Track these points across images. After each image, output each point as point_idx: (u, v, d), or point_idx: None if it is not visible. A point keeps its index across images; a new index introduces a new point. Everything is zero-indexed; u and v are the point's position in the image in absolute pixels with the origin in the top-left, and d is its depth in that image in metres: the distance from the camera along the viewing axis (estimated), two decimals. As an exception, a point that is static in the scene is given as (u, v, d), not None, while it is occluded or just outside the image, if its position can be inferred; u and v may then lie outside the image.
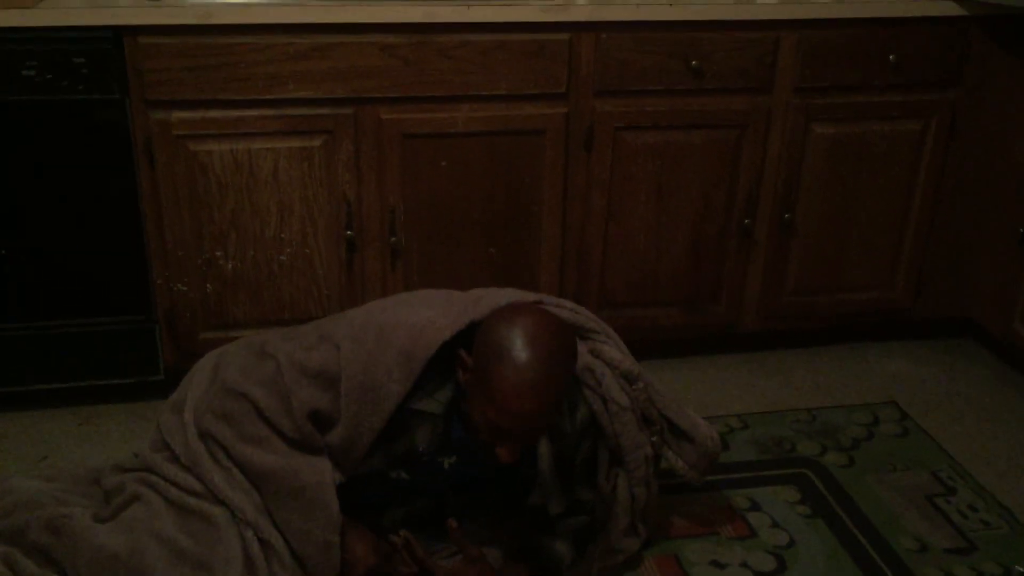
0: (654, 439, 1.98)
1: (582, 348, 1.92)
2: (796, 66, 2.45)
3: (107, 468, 1.98)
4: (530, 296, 1.94)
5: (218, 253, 2.35)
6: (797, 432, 2.47)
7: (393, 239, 2.40)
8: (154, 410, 2.41)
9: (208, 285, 2.38)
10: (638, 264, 2.58)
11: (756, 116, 2.48)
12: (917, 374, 2.77)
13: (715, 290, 2.67)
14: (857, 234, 2.68)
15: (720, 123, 2.48)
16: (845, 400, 2.63)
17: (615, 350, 1.97)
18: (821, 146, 2.55)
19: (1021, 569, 2.00)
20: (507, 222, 2.46)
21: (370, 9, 2.21)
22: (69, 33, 2.11)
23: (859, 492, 2.24)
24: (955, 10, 2.45)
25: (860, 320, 2.83)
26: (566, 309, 1.98)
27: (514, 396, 1.53)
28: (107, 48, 2.13)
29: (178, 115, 2.21)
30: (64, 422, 2.43)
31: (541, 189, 2.45)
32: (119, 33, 2.13)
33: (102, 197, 2.26)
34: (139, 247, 2.32)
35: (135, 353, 2.41)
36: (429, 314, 1.77)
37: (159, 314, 2.39)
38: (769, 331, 2.79)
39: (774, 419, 2.53)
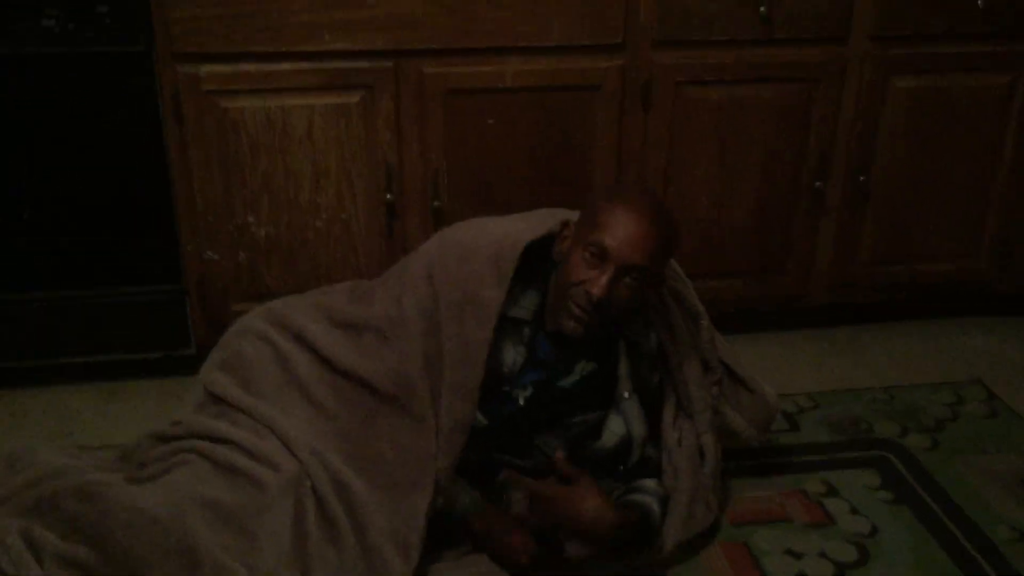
0: (715, 387, 1.88)
1: None
2: (874, 11, 2.24)
3: (142, 439, 1.84)
4: None
5: (250, 219, 2.21)
6: (874, 412, 2.27)
7: (436, 203, 2.24)
8: (185, 386, 2.27)
9: (240, 253, 2.23)
10: (698, 231, 2.39)
11: (830, 68, 2.28)
12: (1003, 352, 2.55)
13: (782, 259, 2.47)
14: (938, 199, 2.47)
15: (790, 76, 2.28)
16: (925, 378, 2.42)
17: (682, 284, 1.90)
18: (900, 101, 2.34)
19: None
20: (558, 185, 2.28)
21: (411, -48, 2.05)
22: (91, -20, 1.97)
23: (946, 477, 2.04)
24: (1052, -51, 2.23)
25: (939, 293, 2.61)
26: None
27: (629, 218, 1.61)
28: (132, -5, 1.99)
29: (208, 68, 2.07)
30: (90, 398, 2.31)
31: (594, 149, 2.27)
32: (145, -20, 1.99)
33: (128, 158, 2.13)
34: (168, 212, 2.19)
35: (164, 325, 2.28)
36: (507, 227, 1.79)
37: (189, 283, 2.25)
38: (840, 304, 2.58)
39: (848, 398, 2.33)
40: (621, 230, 1.61)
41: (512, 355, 1.74)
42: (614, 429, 1.81)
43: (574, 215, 1.78)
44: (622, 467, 1.83)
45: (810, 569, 1.78)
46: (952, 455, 2.11)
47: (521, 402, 1.75)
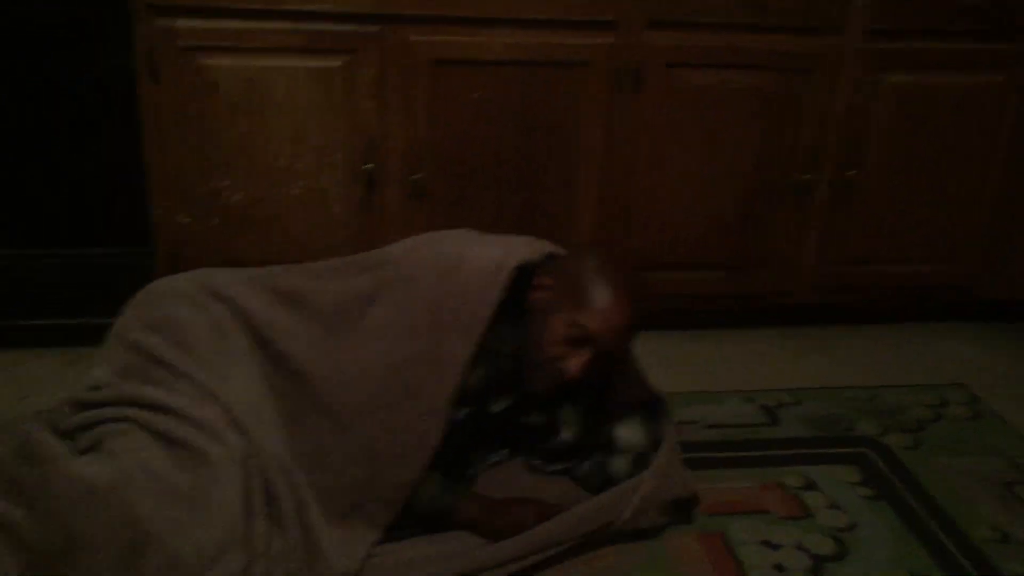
0: None
1: None
2: (869, 4, 2.21)
3: (58, 405, 1.69)
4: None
5: (225, 183, 2.14)
6: (855, 410, 2.22)
7: (416, 176, 2.18)
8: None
9: (213, 217, 2.16)
10: (683, 220, 2.34)
11: (822, 60, 2.25)
12: (987, 357, 2.51)
13: (766, 254, 2.42)
14: (926, 199, 2.43)
15: (782, 65, 2.24)
16: (907, 381, 2.38)
17: None
18: (892, 97, 2.31)
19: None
20: (542, 165, 2.23)
21: (402, -85, 2.00)
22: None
23: (928, 476, 1.99)
24: (1050, -51, 2.21)
25: (924, 296, 2.57)
26: None
27: (615, 303, 1.58)
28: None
29: (185, 23, 2.00)
30: (49, 363, 2.22)
31: (581, 129, 2.22)
32: (124, -73, 1.93)
33: (100, 114, 2.06)
34: (139, 172, 2.11)
35: (131, 289, 2.17)
36: (490, 251, 1.68)
37: (159, 247, 2.18)
38: (823, 304, 2.54)
39: (828, 396, 2.28)
40: (606, 318, 1.58)
41: (485, 379, 1.67)
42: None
43: (554, 248, 1.73)
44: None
45: (787, 560, 1.72)
46: (934, 455, 2.06)
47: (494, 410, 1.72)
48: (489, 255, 1.64)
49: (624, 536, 1.72)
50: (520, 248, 1.68)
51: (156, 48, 2.01)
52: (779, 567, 1.70)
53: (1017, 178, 2.43)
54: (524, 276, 1.66)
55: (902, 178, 2.39)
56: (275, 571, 1.47)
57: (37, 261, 2.15)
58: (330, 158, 2.15)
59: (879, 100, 2.31)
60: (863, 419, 2.19)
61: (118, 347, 1.70)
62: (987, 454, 2.08)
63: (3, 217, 2.10)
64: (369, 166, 2.15)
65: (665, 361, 2.33)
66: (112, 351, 1.70)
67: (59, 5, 1.96)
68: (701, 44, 2.19)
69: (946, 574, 1.70)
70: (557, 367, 1.60)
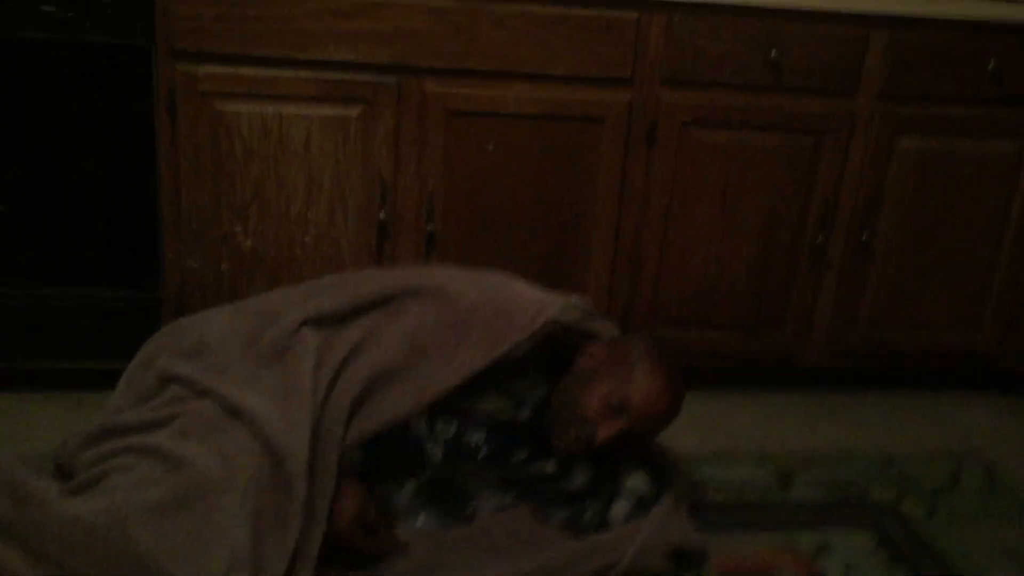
0: None
1: None
2: (884, 68, 2.22)
3: (69, 445, 1.67)
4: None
5: (237, 229, 2.13)
6: (870, 477, 2.17)
7: (430, 227, 2.18)
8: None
9: (223, 263, 2.15)
10: (696, 278, 2.33)
11: (837, 121, 2.25)
12: (1002, 427, 2.46)
13: (779, 315, 2.40)
14: (942, 265, 2.41)
15: (797, 126, 2.24)
16: (922, 448, 2.33)
17: None
18: (906, 161, 2.31)
19: None
20: (556, 218, 2.23)
21: (423, -32, 2.03)
22: (96, -31, 1.94)
23: (945, 543, 1.93)
24: (1064, 18, 2.23)
25: (938, 364, 2.54)
26: None
27: (662, 389, 1.64)
28: (136, -12, 1.96)
29: (206, 69, 2.02)
30: (52, 407, 2.19)
31: (596, 184, 2.21)
32: (150, -28, 1.96)
33: (116, 154, 2.07)
34: (152, 214, 2.11)
35: (138, 334, 2.15)
36: (536, 293, 1.77)
37: (168, 291, 2.16)
38: (836, 368, 2.50)
39: (843, 462, 2.23)
40: (651, 401, 1.64)
41: (486, 402, 1.68)
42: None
43: (586, 305, 1.79)
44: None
45: (801, 624, 1.66)
46: (950, 523, 2.01)
47: (479, 456, 1.70)
48: (532, 294, 1.74)
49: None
50: (558, 300, 1.74)
51: (175, 92, 2.03)
52: (793, 631, 1.64)
53: (1032, 246, 2.42)
54: (558, 337, 1.72)
55: (916, 242, 2.38)
56: None
57: (44, 301, 2.14)
58: (343, 206, 2.15)
59: (892, 163, 2.31)
60: (878, 486, 2.13)
61: (140, 371, 1.71)
62: (1003, 524, 2.02)
63: (13, 255, 2.09)
64: (383, 215, 2.15)
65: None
66: (125, 387, 1.71)
67: (80, 45, 1.97)
68: (716, 103, 2.20)
69: (966, 644, 1.64)
70: (588, 430, 1.63)
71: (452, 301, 1.69)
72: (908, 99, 2.26)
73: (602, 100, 2.16)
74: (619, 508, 1.73)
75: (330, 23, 2.02)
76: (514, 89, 2.12)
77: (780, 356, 2.45)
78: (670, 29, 2.13)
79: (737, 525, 1.94)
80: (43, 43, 1.96)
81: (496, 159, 2.16)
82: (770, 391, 2.52)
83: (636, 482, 1.76)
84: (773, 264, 2.34)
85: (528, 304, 1.70)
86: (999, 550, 1.92)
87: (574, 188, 2.21)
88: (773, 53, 2.16)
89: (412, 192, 2.16)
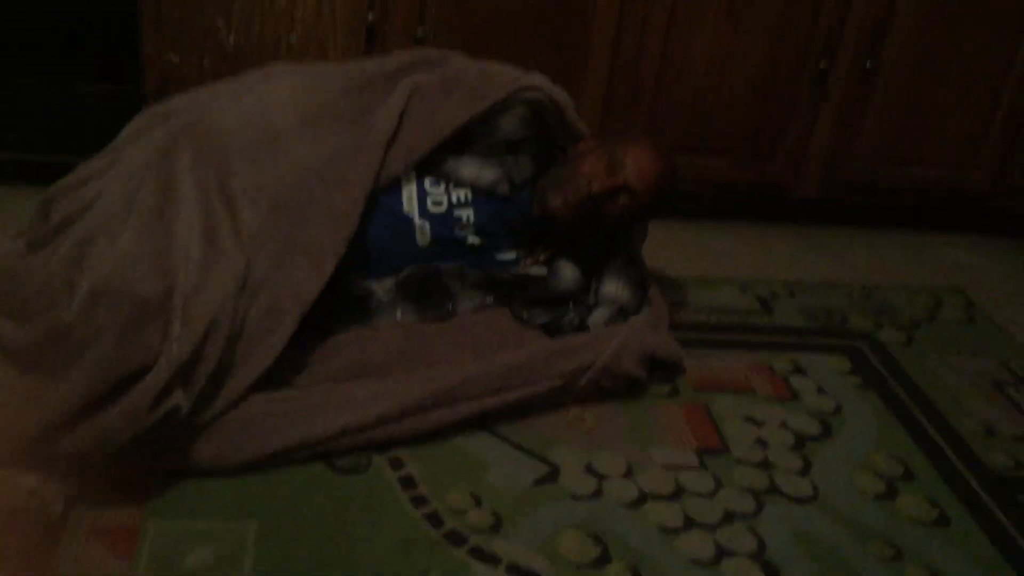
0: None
1: None
2: None
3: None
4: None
5: (219, 22, 2.05)
6: (850, 306, 2.18)
7: (420, 31, 2.09)
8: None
9: (204, 59, 2.08)
10: (694, 96, 2.26)
11: (851, -62, 2.15)
12: (989, 267, 2.47)
13: (775, 143, 2.35)
14: (942, 100, 2.35)
15: (809, -60, 2.14)
16: (906, 283, 2.34)
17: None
18: (917, -14, 2.22)
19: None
20: (552, 27, 2.14)
21: None
22: None
23: (918, 371, 1.96)
24: None
25: (931, 202, 2.52)
26: None
27: (652, 155, 1.73)
28: None
29: None
30: (25, 201, 2.15)
31: (595, -5, 2.13)
32: None
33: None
34: (131, 5, 2.02)
35: (115, 128, 2.11)
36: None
37: (148, 86, 2.09)
38: (826, 202, 2.48)
39: (824, 290, 2.24)
40: (640, 157, 1.71)
41: (474, 168, 1.71)
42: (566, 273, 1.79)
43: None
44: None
45: (770, 437, 1.69)
46: (926, 352, 2.03)
47: (467, 244, 1.73)
48: (512, 70, 1.80)
49: (604, 398, 1.69)
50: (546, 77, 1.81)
51: None
52: (761, 442, 1.68)
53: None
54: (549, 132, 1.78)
55: (922, 72, 2.31)
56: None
57: (20, 93, 2.07)
58: (331, 4, 2.06)
59: (904, -12, 2.22)
60: (857, 314, 2.15)
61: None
62: (979, 356, 2.05)
63: (-13, 42, 2.02)
64: (372, 16, 2.07)
65: (660, 245, 2.27)
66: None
67: None
68: (727, -89, 2.09)
69: (928, 459, 1.68)
70: (585, 183, 1.69)
71: (444, 67, 1.73)
72: (927, -82, 2.15)
73: (607, -99, 2.05)
74: (599, 314, 1.74)
75: None
76: None
77: (772, 186, 2.41)
78: None
79: (715, 345, 1.96)
80: None
81: (492, -39, 2.07)
82: (759, 222, 2.51)
83: (618, 291, 1.76)
84: (774, 88, 2.28)
85: (515, 72, 1.77)
86: (973, 380, 1.95)
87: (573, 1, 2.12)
88: None
89: (403, -8, 2.07)
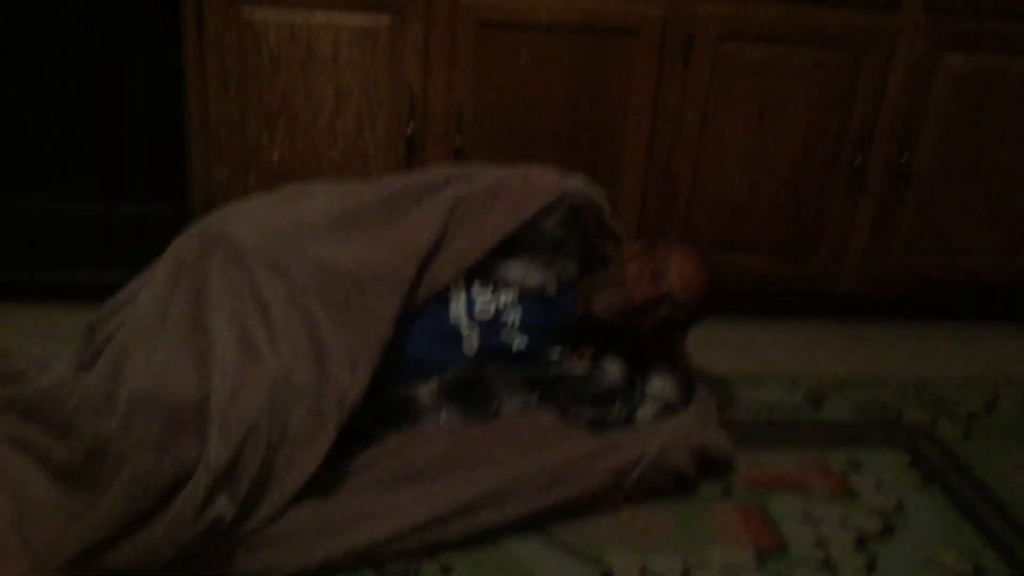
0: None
1: None
2: (930, -21, 2.15)
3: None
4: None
5: (264, 139, 2.11)
6: (903, 400, 2.13)
7: (458, 140, 2.14)
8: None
9: (250, 175, 2.14)
10: (729, 199, 2.28)
11: (879, 37, 2.18)
12: (1042, 358, 2.41)
13: (814, 239, 2.35)
14: (983, 189, 2.35)
15: (837, 42, 2.18)
16: (957, 375, 2.28)
17: None
18: (951, 79, 2.24)
19: None
20: (587, 134, 2.18)
21: None
22: None
23: (980, 465, 1.89)
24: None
25: (978, 293, 2.48)
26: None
27: (694, 267, 1.78)
28: None
29: (233, -26, 1.99)
30: (77, 319, 2.18)
31: (629, 100, 2.17)
32: None
33: (144, 64, 2.04)
34: (179, 126, 2.10)
35: (163, 245, 2.17)
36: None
37: (195, 204, 2.15)
38: (871, 296, 2.45)
39: (875, 384, 2.19)
40: (683, 268, 1.77)
41: (520, 270, 1.71)
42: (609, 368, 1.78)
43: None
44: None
45: (830, 536, 1.63)
46: (986, 446, 1.97)
47: (514, 348, 1.74)
48: (552, 175, 1.83)
49: (656, 498, 1.65)
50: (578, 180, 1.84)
51: (203, -1, 2.00)
52: (822, 541, 1.62)
53: (1079, 171, 2.34)
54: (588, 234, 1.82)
55: (958, 165, 2.31)
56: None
57: (71, 213, 2.13)
58: (372, 119, 2.12)
59: (936, 82, 2.23)
60: (911, 408, 2.10)
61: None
62: (1042, 447, 1.98)
63: (40, 166, 2.09)
64: (411, 128, 2.12)
65: (704, 343, 2.25)
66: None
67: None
68: (754, 16, 2.13)
69: (998, 554, 1.61)
70: (626, 291, 1.73)
71: (482, 178, 1.75)
72: (954, 13, 2.19)
73: (637, 11, 2.11)
74: (646, 410, 1.72)
75: (359, -73, 1.98)
76: (546, -1, 2.08)
77: (813, 281, 2.40)
78: (708, -63, 2.07)
79: (766, 442, 1.91)
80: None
81: (527, 72, 2.12)
82: (802, 317, 2.48)
83: (665, 388, 1.74)
84: (808, 186, 2.29)
85: (553, 176, 1.81)
86: (1036, 471, 1.88)
87: (607, 103, 2.16)
88: (814, -38, 2.09)
89: (441, 105, 2.13)
